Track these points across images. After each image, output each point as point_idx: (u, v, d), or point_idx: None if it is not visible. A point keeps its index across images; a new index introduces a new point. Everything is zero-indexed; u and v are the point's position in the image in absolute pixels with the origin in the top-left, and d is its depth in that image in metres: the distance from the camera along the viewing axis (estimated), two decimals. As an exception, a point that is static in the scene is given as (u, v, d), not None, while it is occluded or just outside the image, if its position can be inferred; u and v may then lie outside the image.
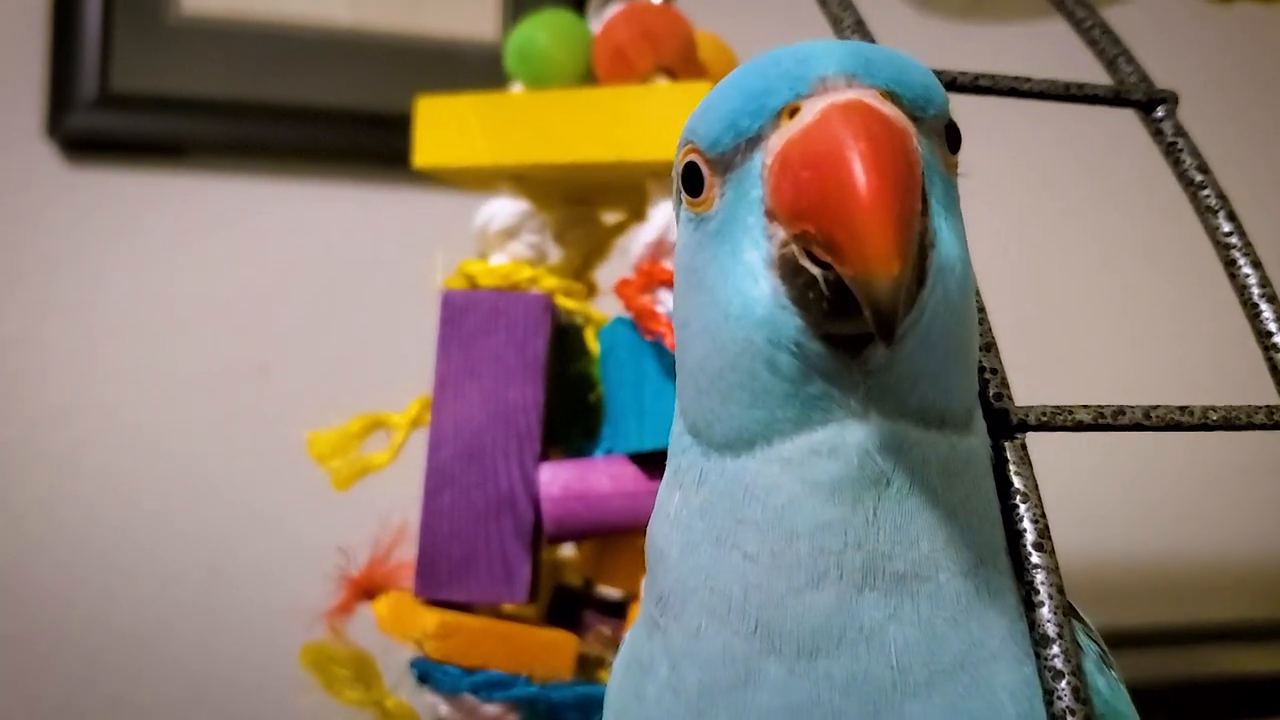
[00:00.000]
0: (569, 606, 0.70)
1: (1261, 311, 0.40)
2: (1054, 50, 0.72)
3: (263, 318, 1.19)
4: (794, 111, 0.32)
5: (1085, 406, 0.35)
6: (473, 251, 0.69)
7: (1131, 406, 0.35)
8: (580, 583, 0.74)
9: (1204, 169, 0.43)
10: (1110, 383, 1.40)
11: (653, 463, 0.61)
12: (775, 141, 0.32)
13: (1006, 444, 0.35)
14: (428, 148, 0.67)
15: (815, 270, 0.31)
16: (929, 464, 0.32)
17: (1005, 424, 0.35)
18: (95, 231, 1.15)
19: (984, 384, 0.36)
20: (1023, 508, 0.34)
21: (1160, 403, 0.36)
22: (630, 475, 0.61)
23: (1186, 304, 1.37)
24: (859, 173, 0.28)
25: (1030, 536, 0.33)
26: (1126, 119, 0.47)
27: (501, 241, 0.66)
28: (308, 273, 1.20)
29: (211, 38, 1.17)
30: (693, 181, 0.35)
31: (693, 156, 0.35)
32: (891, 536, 0.32)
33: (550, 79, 0.67)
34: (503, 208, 0.66)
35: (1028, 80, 0.43)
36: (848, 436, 0.32)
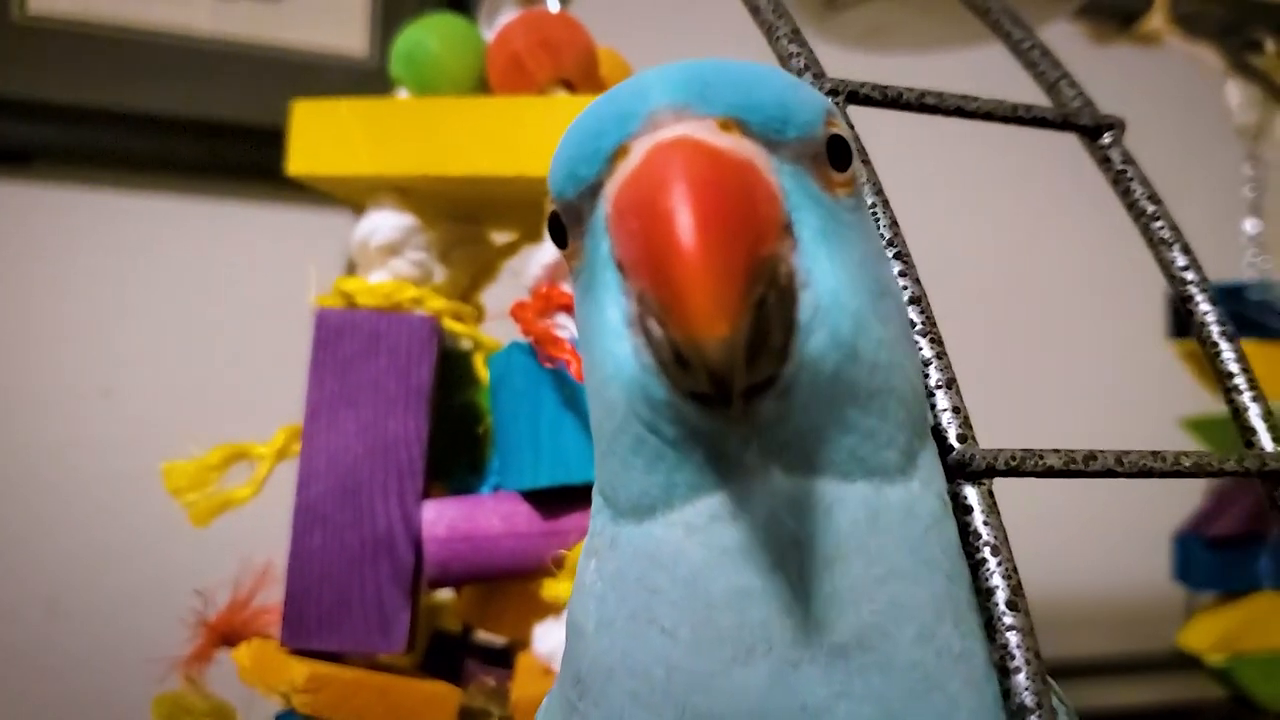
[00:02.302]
0: (447, 655, 0.65)
1: (1222, 351, 0.37)
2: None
3: (109, 337, 1.12)
4: (626, 153, 0.28)
5: (1056, 451, 0.32)
6: (342, 272, 0.64)
7: (1103, 452, 0.32)
8: (459, 629, 0.69)
9: (1155, 199, 0.40)
10: (1061, 424, 1.39)
11: (548, 501, 0.56)
12: (610, 189, 0.29)
13: (972, 490, 0.31)
14: (303, 154, 0.62)
15: (658, 330, 0.27)
16: (857, 519, 0.29)
17: (970, 468, 0.31)
18: (-72, 241, 1.07)
19: (944, 425, 0.32)
20: (992, 562, 0.30)
21: (1131, 448, 0.33)
22: (523, 515, 0.57)
23: (1137, 334, 1.36)
24: (678, 223, 0.25)
25: (1002, 594, 0.30)
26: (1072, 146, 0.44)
27: (383, 258, 0.61)
28: (161, 290, 1.14)
29: (60, 39, 1.10)
30: (557, 233, 0.32)
31: (552, 206, 0.32)
32: (824, 603, 0.28)
33: (440, 86, 0.63)
34: (385, 221, 0.61)
35: (974, 99, 0.40)
36: (749, 497, 0.28)
